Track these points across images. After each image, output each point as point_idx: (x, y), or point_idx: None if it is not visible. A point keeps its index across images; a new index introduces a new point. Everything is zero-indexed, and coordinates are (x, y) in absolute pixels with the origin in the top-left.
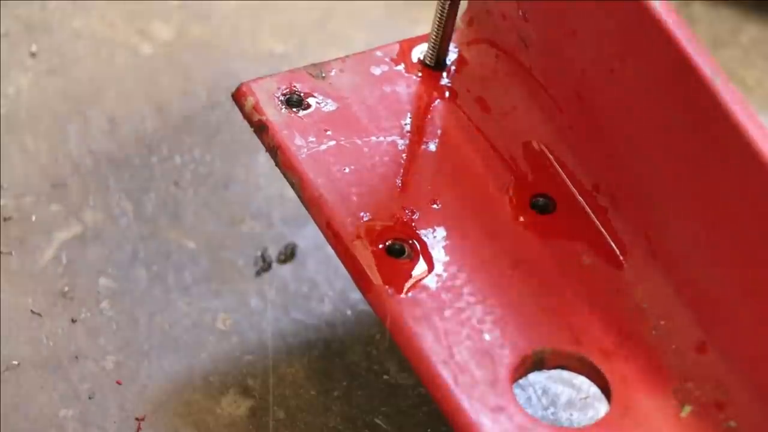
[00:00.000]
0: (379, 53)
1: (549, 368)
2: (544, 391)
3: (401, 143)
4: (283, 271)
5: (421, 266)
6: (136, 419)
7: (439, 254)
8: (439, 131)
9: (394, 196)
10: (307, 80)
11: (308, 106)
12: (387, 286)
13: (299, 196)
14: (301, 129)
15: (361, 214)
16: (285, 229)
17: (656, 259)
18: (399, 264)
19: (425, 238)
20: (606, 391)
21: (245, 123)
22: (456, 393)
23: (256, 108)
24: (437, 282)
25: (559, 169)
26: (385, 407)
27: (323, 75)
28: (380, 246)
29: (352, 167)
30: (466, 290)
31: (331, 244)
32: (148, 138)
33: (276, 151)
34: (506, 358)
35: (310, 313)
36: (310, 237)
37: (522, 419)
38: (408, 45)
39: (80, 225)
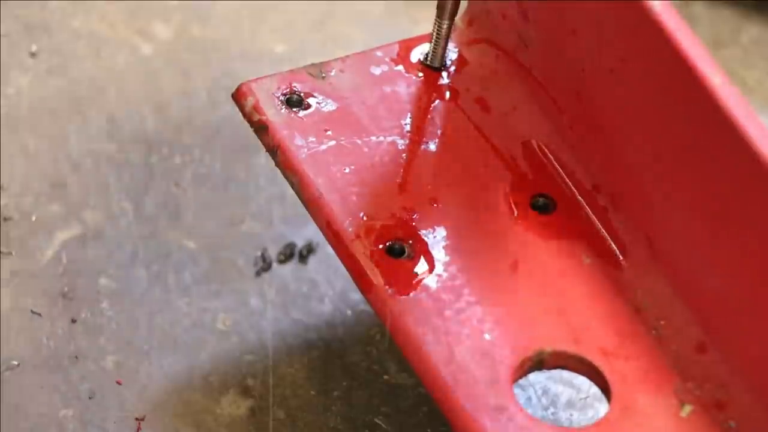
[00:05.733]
0: (379, 53)
1: (549, 368)
2: (544, 391)
3: (401, 143)
4: (283, 271)
5: (421, 266)
6: (136, 419)
7: (439, 254)
8: (439, 131)
9: (394, 196)
10: (307, 80)
11: (308, 106)
12: (387, 286)
13: (299, 196)
14: (301, 129)
15: (361, 214)
16: (285, 229)
17: (656, 259)
18: (399, 264)
19: (425, 238)
20: (606, 391)
21: (245, 123)
22: (456, 393)
23: (256, 108)
24: (437, 282)
25: (559, 169)
26: (385, 407)
27: (323, 75)
28: (380, 246)
29: (352, 167)
30: (466, 290)
31: (331, 244)
32: (148, 138)
33: (276, 151)
34: (506, 358)
35: (310, 313)
36: (310, 237)
37: (522, 419)
38: (408, 45)
39: (80, 225)
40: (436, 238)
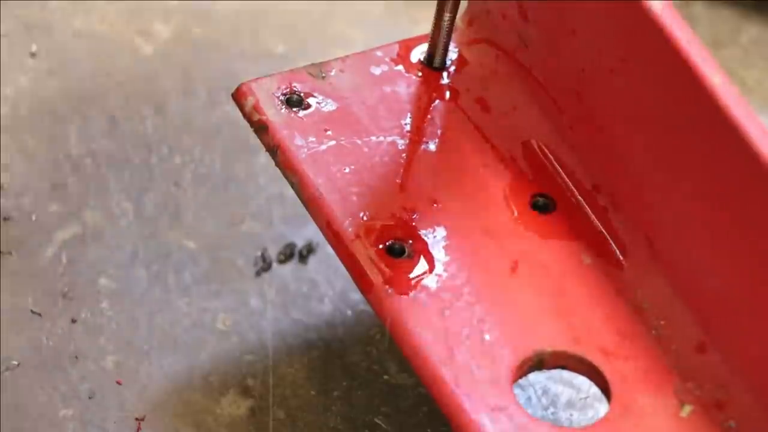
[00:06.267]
0: (379, 53)
1: (549, 368)
2: (544, 391)
3: (401, 143)
4: (283, 271)
5: (421, 266)
6: (136, 419)
7: (439, 254)
8: (439, 131)
9: (394, 196)
10: (307, 80)
11: (308, 106)
12: (387, 286)
13: (299, 196)
14: (301, 129)
15: (361, 214)
16: (285, 229)
17: (656, 259)
18: (399, 264)
19: (425, 238)
20: (606, 391)
21: (245, 123)
22: (456, 393)
23: (256, 108)
24: (437, 282)
25: (559, 169)
26: (385, 407)
27: (323, 75)
28: (380, 246)
29: (352, 167)
30: (466, 290)
31: (331, 244)
32: (148, 138)
33: (276, 151)
34: (506, 358)
35: (310, 313)
36: (310, 237)
37: (522, 419)
38: (408, 45)
39: (80, 225)
40: (436, 238)
